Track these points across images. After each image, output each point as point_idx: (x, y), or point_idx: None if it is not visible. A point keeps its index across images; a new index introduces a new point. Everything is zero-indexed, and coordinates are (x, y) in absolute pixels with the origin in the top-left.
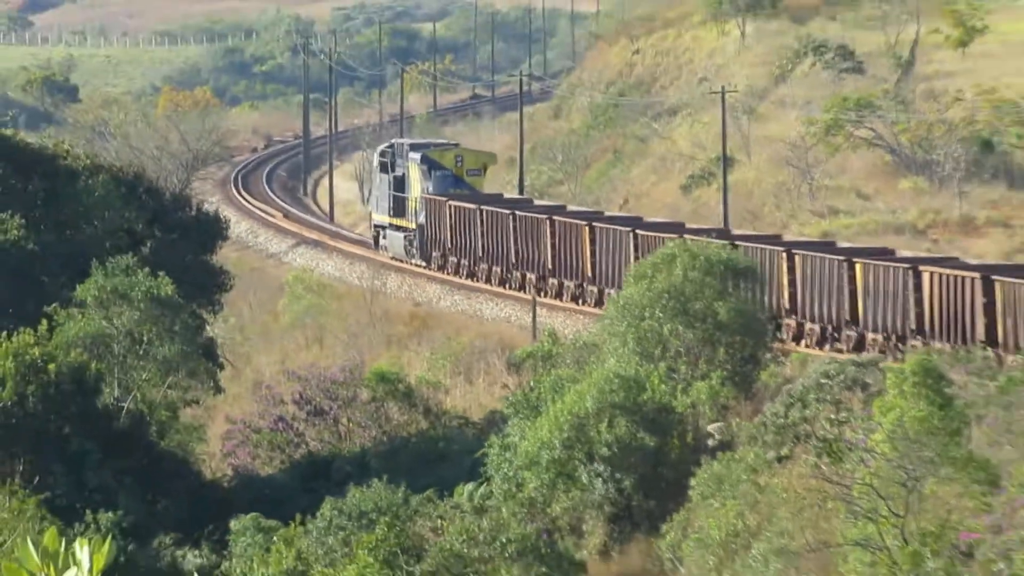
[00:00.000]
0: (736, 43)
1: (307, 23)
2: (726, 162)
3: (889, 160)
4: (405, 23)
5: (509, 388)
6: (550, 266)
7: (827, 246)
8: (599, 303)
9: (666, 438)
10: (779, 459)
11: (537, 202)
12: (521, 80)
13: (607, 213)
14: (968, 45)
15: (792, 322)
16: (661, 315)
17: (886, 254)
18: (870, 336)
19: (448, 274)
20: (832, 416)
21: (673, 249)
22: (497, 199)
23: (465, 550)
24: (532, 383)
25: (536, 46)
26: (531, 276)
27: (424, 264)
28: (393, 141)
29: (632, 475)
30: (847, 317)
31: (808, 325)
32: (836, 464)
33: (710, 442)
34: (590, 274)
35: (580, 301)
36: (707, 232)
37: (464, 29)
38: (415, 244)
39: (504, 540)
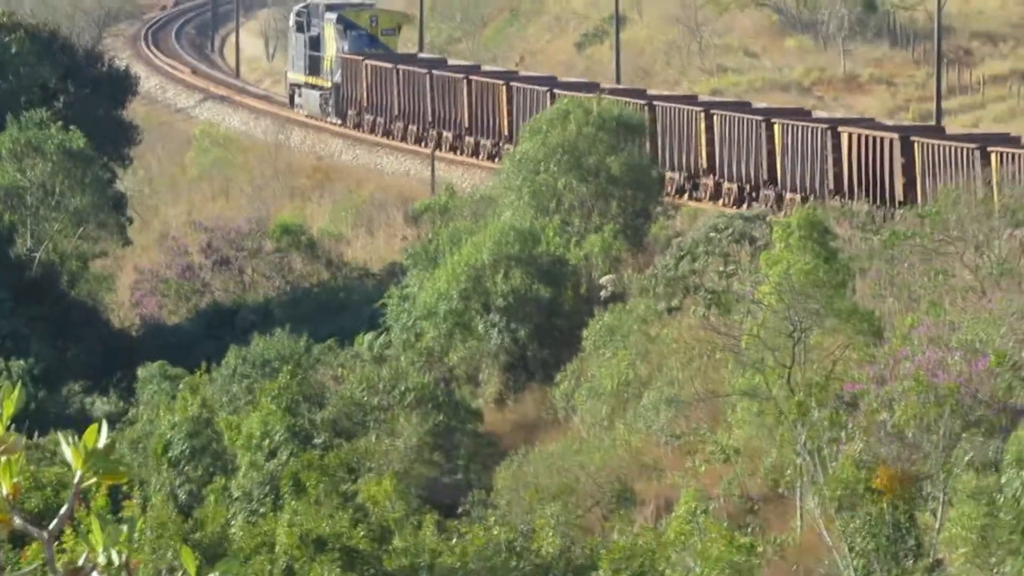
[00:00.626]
0: None
1: None
2: (619, 21)
3: (776, 19)
4: None
5: (408, 240)
6: (467, 125)
7: (744, 106)
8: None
9: (560, 289)
10: (669, 310)
11: (452, 62)
12: None
13: (522, 72)
14: None
15: (710, 182)
16: (555, 169)
17: (803, 114)
18: (788, 196)
19: (363, 132)
20: (720, 269)
21: (567, 105)
22: (412, 59)
23: (365, 398)
24: (430, 235)
25: None
26: (447, 135)
27: (339, 122)
28: (308, 1)
29: (527, 325)
30: (765, 177)
31: (726, 184)
32: (724, 315)
33: (603, 294)
34: (506, 133)
35: (497, 160)
36: (624, 92)
37: None
38: (330, 103)
39: (403, 389)
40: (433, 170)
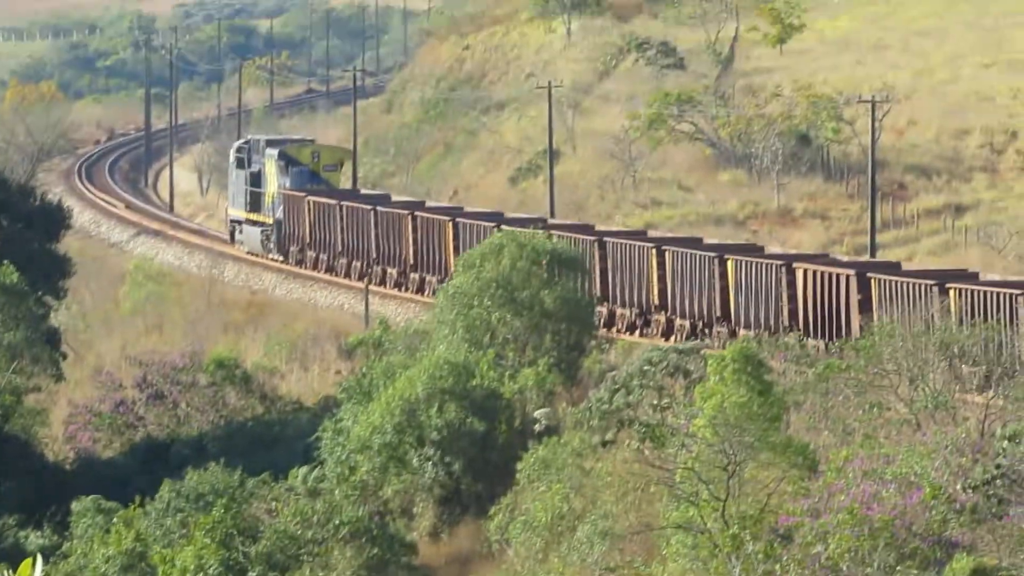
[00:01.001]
0: (562, 40)
1: (149, 19)
2: (552, 155)
3: (709, 153)
4: (243, 19)
5: (342, 374)
6: (412, 261)
7: (696, 242)
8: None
9: (494, 423)
10: (603, 443)
11: (396, 197)
12: (355, 75)
13: (468, 208)
14: (785, 42)
15: (662, 318)
16: (489, 303)
17: (756, 250)
18: (742, 332)
19: (306, 268)
20: (655, 402)
21: (500, 239)
22: (355, 195)
23: (299, 532)
24: (364, 369)
25: (370, 42)
26: (392, 271)
27: (282, 259)
28: (249, 137)
29: (461, 459)
30: (718, 313)
31: (678, 321)
32: (659, 448)
33: (536, 427)
34: (453, 269)
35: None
36: (570, 228)
37: (300, 26)
38: (272, 239)
39: (337, 522)
40: (367, 304)
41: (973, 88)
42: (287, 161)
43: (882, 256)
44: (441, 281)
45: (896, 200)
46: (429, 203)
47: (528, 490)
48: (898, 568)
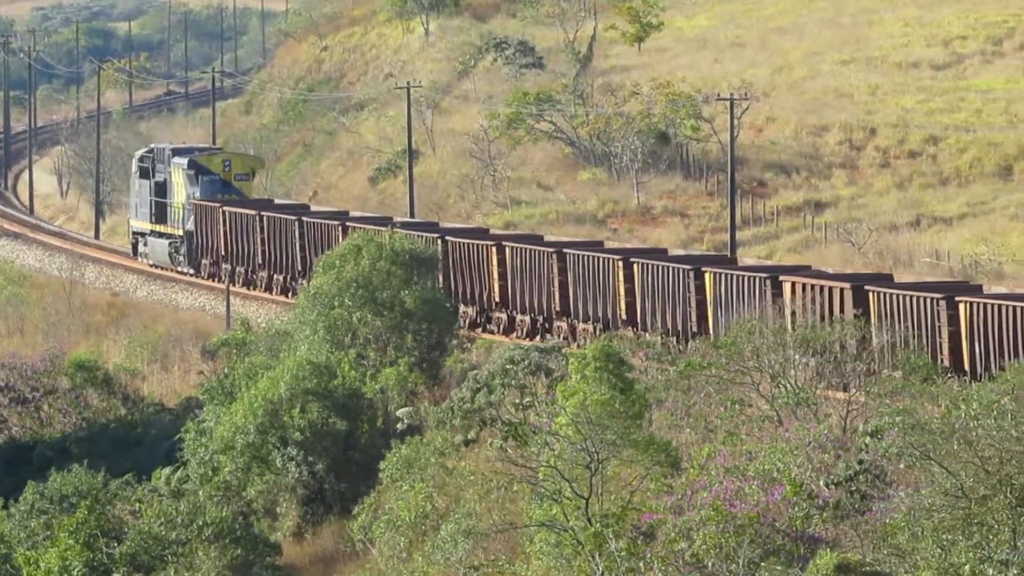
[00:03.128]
0: (420, 40)
1: (6, 22)
2: (411, 155)
3: (569, 152)
4: (102, 22)
5: (204, 375)
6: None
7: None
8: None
9: (357, 422)
10: (466, 442)
11: (315, 208)
12: (213, 77)
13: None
14: (644, 40)
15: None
16: (350, 303)
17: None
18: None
19: (218, 283)
20: (517, 400)
21: (359, 240)
22: (271, 204)
23: (163, 532)
24: (226, 370)
25: (228, 44)
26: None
27: (193, 272)
28: (153, 146)
29: (324, 459)
30: (558, 308)
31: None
32: (521, 447)
33: (399, 426)
34: (557, 307)
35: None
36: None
37: (158, 28)
38: (182, 251)
39: (201, 523)
40: (228, 305)
41: (831, 85)
42: (197, 170)
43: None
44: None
45: (756, 197)
46: (350, 212)
47: (391, 489)
48: (763, 564)
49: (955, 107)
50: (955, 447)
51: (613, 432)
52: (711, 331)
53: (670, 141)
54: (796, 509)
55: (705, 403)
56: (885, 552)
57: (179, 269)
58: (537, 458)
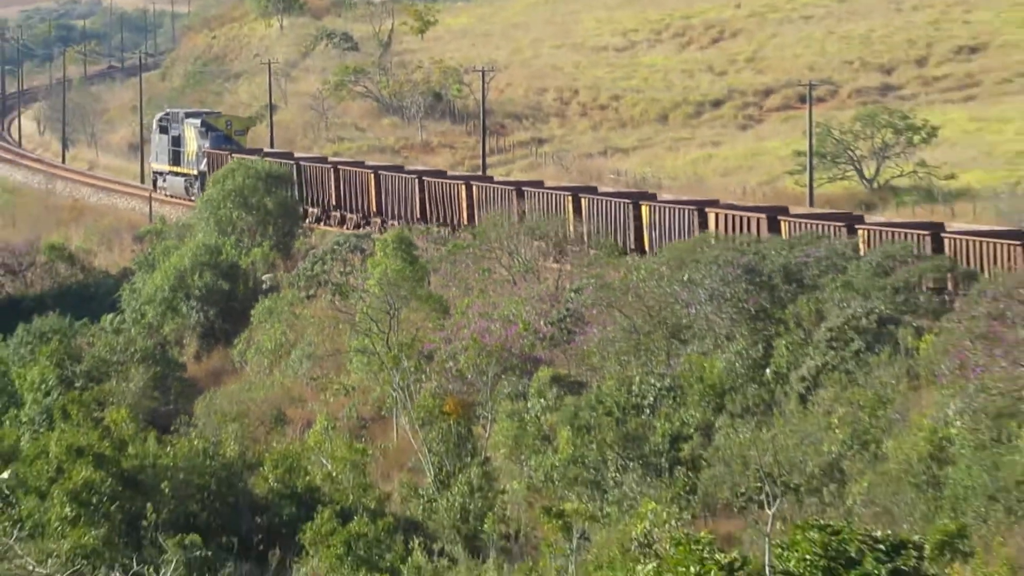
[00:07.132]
0: (277, 32)
1: (2, 20)
2: (272, 108)
3: (376, 106)
4: (67, 20)
5: (135, 253)
6: (334, 202)
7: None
8: (358, 226)
9: (236, 284)
10: (308, 297)
11: (299, 153)
12: (140, 57)
13: (369, 163)
14: (425, 32)
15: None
16: (231, 206)
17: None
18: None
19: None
20: (342, 270)
21: (235, 164)
22: (268, 152)
23: (108, 356)
24: (150, 250)
25: (150, 34)
26: (314, 210)
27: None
28: (168, 110)
29: (215, 308)
30: (375, 210)
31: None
32: (345, 300)
33: (264, 286)
34: (374, 209)
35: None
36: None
37: (104, 23)
38: (195, 186)
39: (133, 350)
40: (151, 207)
41: (549, 62)
42: (207, 128)
43: (491, 173)
44: (363, 217)
45: (499, 136)
46: (330, 158)
47: (259, 328)
48: (503, 376)
49: (630, 76)
50: (630, 299)
51: (404, 290)
52: (469, 222)
53: (443, 99)
54: (525, 340)
55: (465, 271)
56: (584, 368)
57: (193, 199)
58: (355, 307)
